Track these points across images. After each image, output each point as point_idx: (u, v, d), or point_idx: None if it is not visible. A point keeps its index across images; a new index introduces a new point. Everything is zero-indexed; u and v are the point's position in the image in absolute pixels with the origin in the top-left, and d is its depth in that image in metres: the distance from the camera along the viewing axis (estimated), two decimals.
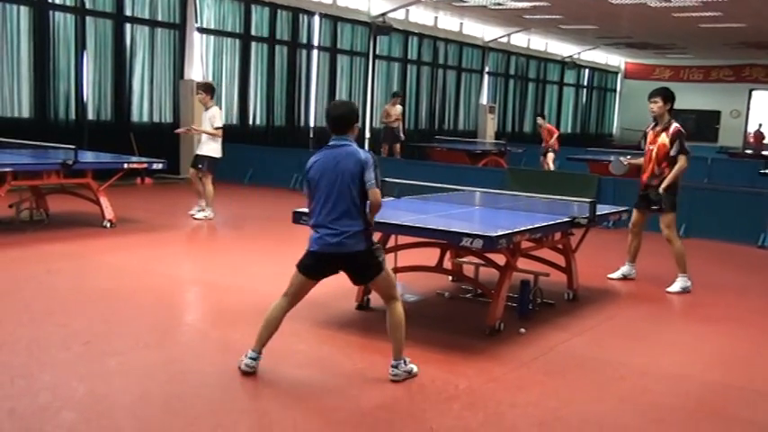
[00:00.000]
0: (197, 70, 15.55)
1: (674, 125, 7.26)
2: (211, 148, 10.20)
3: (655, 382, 4.96)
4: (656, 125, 7.37)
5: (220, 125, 10.13)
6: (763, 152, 24.10)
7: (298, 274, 4.63)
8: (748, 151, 25.51)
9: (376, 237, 5.03)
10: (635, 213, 7.58)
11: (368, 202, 4.50)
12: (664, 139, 7.24)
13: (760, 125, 29.01)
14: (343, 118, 4.59)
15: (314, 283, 4.68)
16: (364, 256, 4.54)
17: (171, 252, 8.45)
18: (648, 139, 7.38)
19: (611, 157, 8.19)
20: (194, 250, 9.13)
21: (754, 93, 30.87)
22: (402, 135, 17.13)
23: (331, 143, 4.59)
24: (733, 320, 6.66)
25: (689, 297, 7.29)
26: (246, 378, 4.59)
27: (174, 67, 15.19)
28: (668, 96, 7.26)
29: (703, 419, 4.42)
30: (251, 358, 4.58)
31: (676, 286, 7.35)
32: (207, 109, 10.16)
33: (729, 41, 23.87)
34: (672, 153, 7.21)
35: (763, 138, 28.44)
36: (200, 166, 10.22)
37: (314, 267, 4.60)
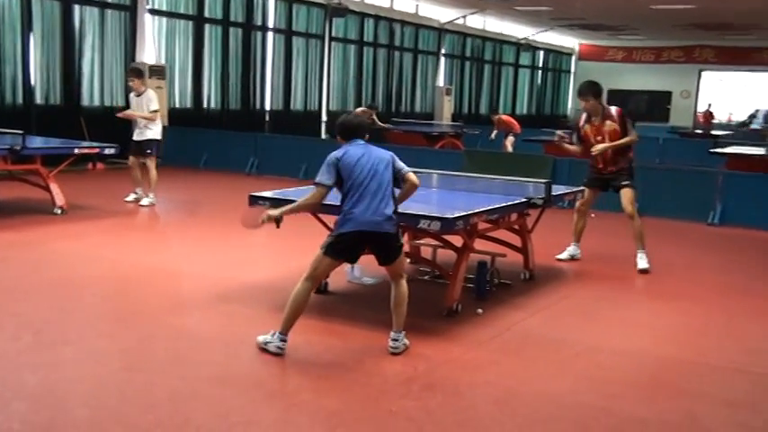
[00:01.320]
0: (149, 53, 15.28)
1: (614, 108, 7.46)
2: (155, 131, 10.11)
3: (609, 359, 5.04)
4: (589, 118, 7.48)
5: (156, 108, 10.00)
6: (713, 131, 24.57)
7: (324, 257, 4.73)
8: (698, 131, 25.97)
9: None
10: (587, 193, 7.67)
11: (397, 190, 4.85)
12: (610, 125, 7.37)
13: (709, 105, 29.54)
14: (360, 126, 4.96)
15: (339, 263, 4.92)
16: (394, 239, 4.81)
17: (124, 239, 8.31)
18: (591, 134, 7.46)
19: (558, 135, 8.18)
20: (148, 237, 9.00)
21: (703, 73, 31.40)
22: (384, 125, 17.22)
23: (353, 143, 4.83)
24: (685, 296, 6.80)
25: (642, 274, 7.41)
26: (203, 364, 4.55)
27: (126, 50, 14.88)
28: (598, 92, 7.43)
29: (657, 393, 4.50)
30: (282, 341, 4.69)
31: (643, 262, 7.47)
32: (140, 94, 10.00)
33: (680, 23, 24.21)
34: (627, 130, 7.37)
35: (713, 117, 28.98)
36: (148, 151, 10.08)
37: (348, 248, 4.78)
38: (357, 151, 4.77)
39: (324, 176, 4.70)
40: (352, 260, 5.06)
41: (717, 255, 8.87)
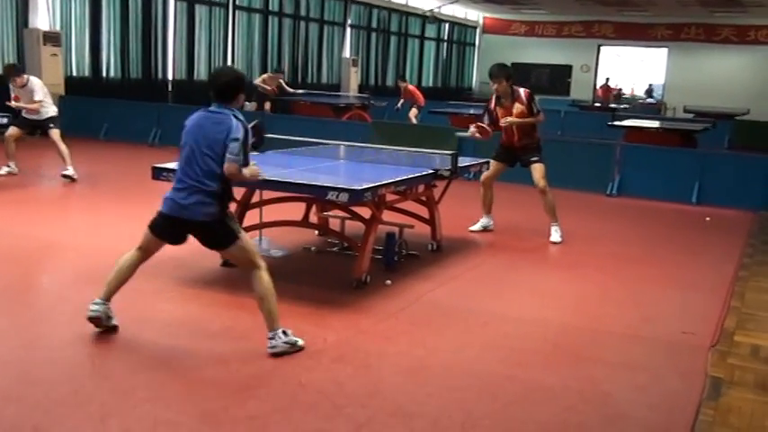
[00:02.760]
0: (43, 18, 14.57)
1: (523, 90, 7.61)
2: (51, 108, 9.95)
3: (515, 328, 5.17)
4: (499, 99, 7.61)
5: (40, 98, 9.69)
6: (611, 105, 25.37)
7: (147, 231, 4.46)
8: (597, 104, 26.78)
9: (238, 195, 4.91)
10: (494, 165, 7.80)
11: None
12: (519, 108, 7.53)
13: (607, 79, 30.47)
14: (227, 86, 4.36)
15: (163, 243, 4.52)
16: (213, 226, 4.33)
17: (21, 212, 7.95)
18: (501, 116, 7.58)
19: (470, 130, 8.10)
20: (46, 210, 8.64)
21: (602, 48, 32.31)
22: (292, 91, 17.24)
23: (210, 108, 4.37)
24: (587, 266, 7.03)
25: (547, 245, 7.62)
26: (109, 340, 4.42)
27: (17, 15, 14.17)
28: (510, 75, 7.56)
29: (560, 360, 4.65)
30: (96, 304, 4.39)
31: (557, 235, 7.67)
32: (24, 86, 9.65)
33: None
34: (534, 112, 7.54)
35: (611, 91, 29.91)
36: (51, 125, 9.81)
37: (163, 229, 4.43)
38: (193, 123, 4.34)
39: None
40: (174, 242, 4.49)
41: (616, 225, 9.20)
